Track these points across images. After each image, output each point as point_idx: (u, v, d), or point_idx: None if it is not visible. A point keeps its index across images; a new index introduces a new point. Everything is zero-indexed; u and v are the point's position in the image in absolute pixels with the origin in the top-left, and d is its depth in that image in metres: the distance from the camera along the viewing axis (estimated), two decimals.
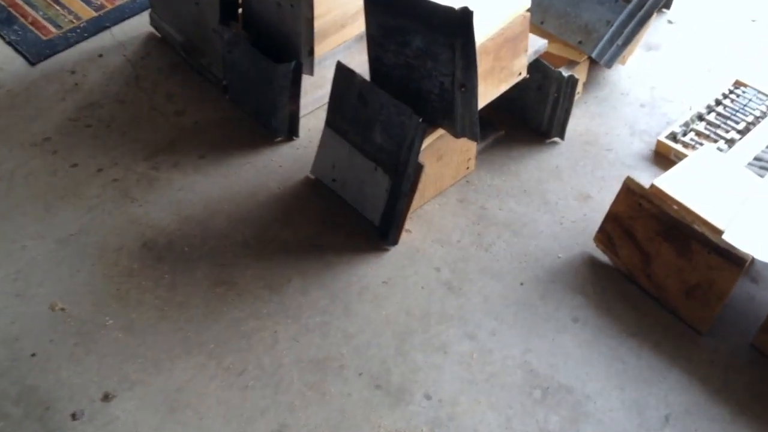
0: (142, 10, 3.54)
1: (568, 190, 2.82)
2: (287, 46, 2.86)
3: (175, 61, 3.32)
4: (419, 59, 2.47)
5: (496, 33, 2.51)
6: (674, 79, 3.22)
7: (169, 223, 2.74)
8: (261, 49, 2.95)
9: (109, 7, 3.55)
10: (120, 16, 3.51)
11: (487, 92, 2.59)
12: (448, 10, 2.29)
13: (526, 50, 2.69)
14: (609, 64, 2.92)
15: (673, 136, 2.90)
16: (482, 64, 2.44)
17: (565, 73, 2.81)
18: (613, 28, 2.88)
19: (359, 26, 3.02)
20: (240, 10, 3.02)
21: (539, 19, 3.00)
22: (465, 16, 2.27)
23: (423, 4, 2.35)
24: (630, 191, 2.48)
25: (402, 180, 2.56)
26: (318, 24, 2.83)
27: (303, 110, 3.02)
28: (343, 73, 2.65)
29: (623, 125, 3.03)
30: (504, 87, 2.69)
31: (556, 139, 2.97)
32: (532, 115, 2.97)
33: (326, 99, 3.10)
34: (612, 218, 2.55)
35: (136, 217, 2.76)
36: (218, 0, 2.90)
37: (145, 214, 2.77)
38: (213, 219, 2.76)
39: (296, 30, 2.78)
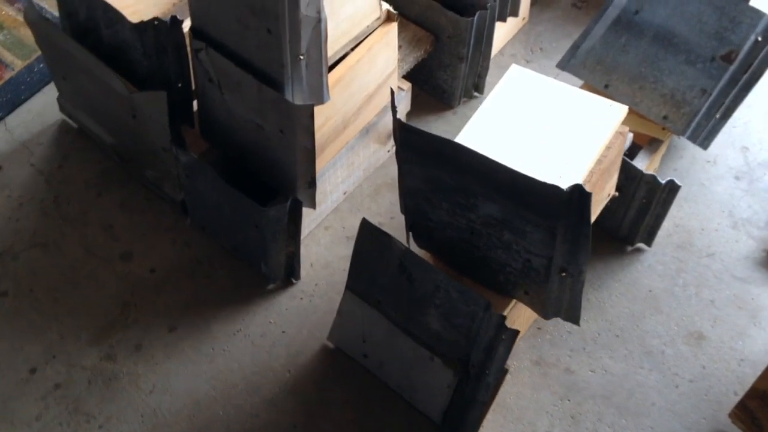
0: (45, 84, 2.59)
1: (673, 329, 2.13)
2: (274, 173, 2.04)
3: (105, 167, 2.42)
4: (491, 228, 1.70)
5: (591, 169, 1.76)
6: None
7: None
8: (234, 170, 2.11)
9: None
10: (15, 98, 2.55)
11: None
12: (550, 189, 1.51)
13: (619, 168, 1.94)
14: (706, 145, 2.17)
15: None
16: None
17: (662, 178, 2.06)
18: (710, 99, 2.12)
19: (363, 120, 2.20)
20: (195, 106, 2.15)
21: (602, 82, 2.22)
22: (579, 198, 1.50)
23: (504, 171, 1.55)
24: None
25: (478, 386, 1.83)
26: (316, 138, 2.00)
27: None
28: (372, 235, 1.85)
29: (719, 212, 2.31)
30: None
31: (641, 245, 2.25)
32: (608, 216, 2.23)
33: (328, 212, 2.31)
34: (758, 395, 1.89)
35: None
36: (166, 118, 2.01)
37: None
38: None
39: (289, 159, 1.95)
